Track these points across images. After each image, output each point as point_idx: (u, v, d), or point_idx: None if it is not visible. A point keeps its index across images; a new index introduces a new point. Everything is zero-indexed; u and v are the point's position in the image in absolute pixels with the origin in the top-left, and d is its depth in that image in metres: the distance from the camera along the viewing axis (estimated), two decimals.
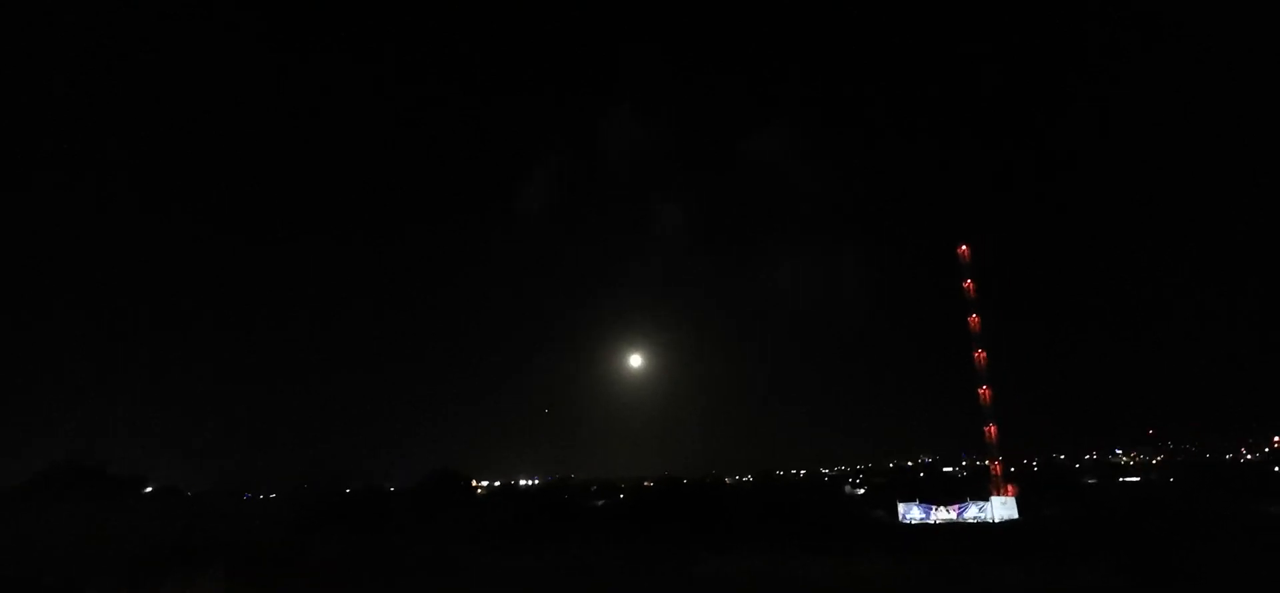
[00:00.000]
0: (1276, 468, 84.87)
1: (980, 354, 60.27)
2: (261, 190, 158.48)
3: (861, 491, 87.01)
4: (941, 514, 54.23)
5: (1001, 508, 54.14)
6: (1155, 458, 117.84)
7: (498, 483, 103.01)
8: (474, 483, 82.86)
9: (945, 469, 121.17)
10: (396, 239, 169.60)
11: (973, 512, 54.27)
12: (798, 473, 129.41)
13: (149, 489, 71.02)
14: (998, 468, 59.83)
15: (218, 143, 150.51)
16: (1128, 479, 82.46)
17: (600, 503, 73.70)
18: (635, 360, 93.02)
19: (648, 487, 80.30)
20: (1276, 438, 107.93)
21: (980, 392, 60.24)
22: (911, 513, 54.55)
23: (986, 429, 60.12)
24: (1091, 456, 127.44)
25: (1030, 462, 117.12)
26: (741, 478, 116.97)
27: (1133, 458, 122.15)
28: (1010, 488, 58.00)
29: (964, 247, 62.49)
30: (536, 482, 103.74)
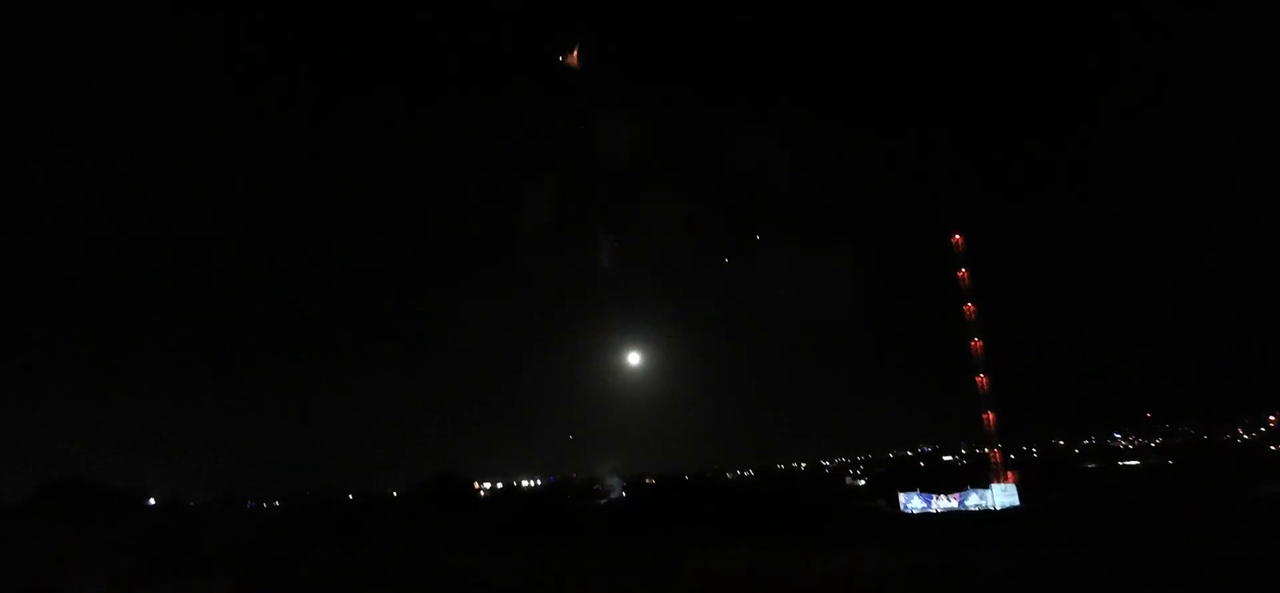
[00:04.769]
0: (1273, 448, 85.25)
1: (976, 343, 60.37)
2: (261, 194, 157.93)
3: (862, 482, 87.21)
4: (943, 503, 54.32)
5: (1002, 496, 54.24)
6: (1154, 441, 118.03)
7: (500, 484, 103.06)
8: (475, 485, 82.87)
9: (945, 458, 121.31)
10: (392, 241, 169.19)
11: (974, 500, 54.37)
12: (799, 465, 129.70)
13: (152, 501, 70.99)
14: (997, 456, 60.00)
15: (223, 147, 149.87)
16: (1127, 464, 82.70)
17: (602, 502, 73.86)
18: (634, 358, 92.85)
19: (649, 484, 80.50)
20: (1273, 417, 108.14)
21: (977, 379, 60.37)
22: (913, 503, 54.64)
23: (985, 417, 60.28)
24: (1090, 440, 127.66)
25: (1029, 448, 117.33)
26: (742, 472, 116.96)
27: (1131, 442, 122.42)
28: (1011, 475, 58.17)
29: (958, 236, 62.64)
30: (538, 483, 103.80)
